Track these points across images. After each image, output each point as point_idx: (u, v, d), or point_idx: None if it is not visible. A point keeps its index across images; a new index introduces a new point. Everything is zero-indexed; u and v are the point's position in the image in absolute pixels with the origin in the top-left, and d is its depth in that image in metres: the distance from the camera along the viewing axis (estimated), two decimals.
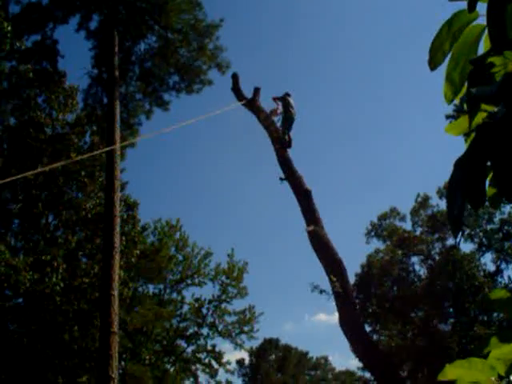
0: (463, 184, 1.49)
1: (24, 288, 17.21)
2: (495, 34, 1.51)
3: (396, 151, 73.41)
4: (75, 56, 38.20)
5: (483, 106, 1.64)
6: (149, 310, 23.55)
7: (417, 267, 32.01)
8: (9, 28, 14.59)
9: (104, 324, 12.96)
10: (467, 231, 30.21)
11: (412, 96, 76.40)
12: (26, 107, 19.51)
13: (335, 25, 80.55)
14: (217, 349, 29.86)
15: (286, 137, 10.84)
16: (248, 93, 11.91)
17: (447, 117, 25.58)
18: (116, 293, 13.35)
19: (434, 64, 1.94)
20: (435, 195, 31.59)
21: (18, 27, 16.44)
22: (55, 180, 19.47)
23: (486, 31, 1.72)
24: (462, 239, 30.18)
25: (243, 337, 30.11)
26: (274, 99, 11.52)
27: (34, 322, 18.11)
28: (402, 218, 32.88)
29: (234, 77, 12.24)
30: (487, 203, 1.70)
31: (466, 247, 39.60)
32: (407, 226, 32.63)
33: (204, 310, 29.55)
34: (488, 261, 42.00)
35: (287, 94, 11.47)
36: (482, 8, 1.58)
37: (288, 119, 11.09)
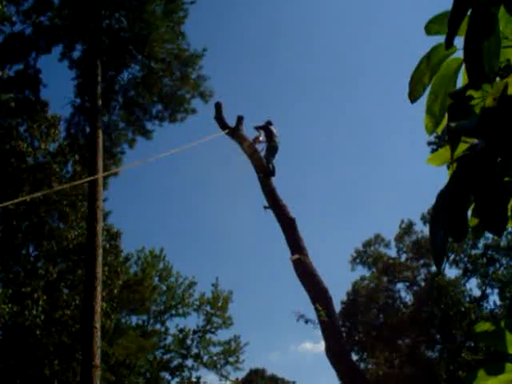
0: (445, 216, 1.49)
1: (3, 321, 16.80)
2: (472, 69, 1.53)
3: (379, 177, 74.09)
4: (58, 85, 38.26)
5: (464, 138, 1.66)
6: (132, 342, 23.10)
7: (403, 294, 32.05)
8: None
9: (86, 357, 12.68)
10: (452, 256, 30.38)
11: (395, 121, 77.60)
12: (8, 136, 19.34)
13: (317, 52, 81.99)
14: (202, 380, 29.38)
15: (270, 165, 10.88)
16: (231, 121, 11.98)
17: (429, 143, 25.96)
18: (98, 325, 13.12)
19: (413, 96, 1.97)
20: (419, 221, 31.86)
21: (1, 57, 16.47)
22: (36, 210, 19.22)
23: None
24: (447, 265, 30.33)
25: (229, 368, 29.67)
26: (257, 128, 11.58)
27: (12, 356, 17.64)
28: (387, 245, 32.99)
29: (217, 105, 12.29)
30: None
31: (451, 272, 39.77)
32: (392, 252, 32.77)
33: (188, 341, 29.15)
34: (473, 286, 42.14)
35: (269, 123, 11.54)
36: (459, 41, 1.60)
37: (272, 148, 11.15)
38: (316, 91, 78.47)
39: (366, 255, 32.87)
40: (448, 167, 1.88)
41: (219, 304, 29.45)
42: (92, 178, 13.69)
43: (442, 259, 1.51)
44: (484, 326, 1.84)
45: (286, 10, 76.90)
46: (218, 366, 29.36)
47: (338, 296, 33.01)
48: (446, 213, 1.49)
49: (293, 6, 75.52)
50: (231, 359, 29.59)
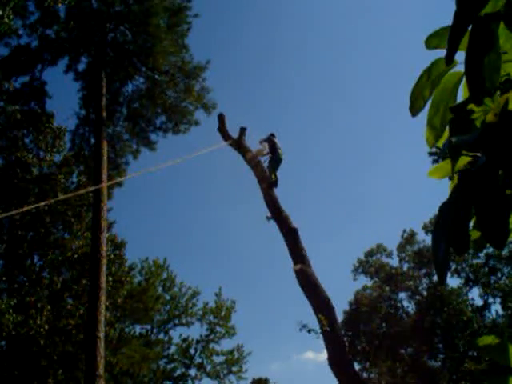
0: (447, 229, 1.52)
1: (7, 331, 16.80)
2: (474, 84, 1.56)
3: (380, 187, 73.95)
4: (63, 97, 38.50)
5: (465, 151, 1.69)
6: (135, 352, 23.02)
7: (405, 303, 31.94)
8: None
9: (89, 367, 12.67)
10: (453, 266, 30.27)
11: (397, 131, 77.64)
12: (14, 147, 19.46)
13: (320, 62, 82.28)
14: None
15: (273, 176, 10.92)
16: (234, 133, 12.05)
17: (430, 154, 25.99)
18: (102, 335, 13.11)
19: (415, 110, 1.99)
20: (421, 231, 31.81)
21: (7, 69, 16.61)
22: (41, 220, 19.29)
23: (465, 78, 1.79)
24: (448, 274, 30.20)
25: (232, 377, 29.49)
26: (261, 142, 11.67)
27: (17, 366, 17.62)
28: (389, 254, 32.92)
29: (220, 117, 12.38)
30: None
31: (453, 282, 39.60)
32: (394, 262, 32.69)
33: (192, 351, 29.00)
34: (475, 295, 41.97)
35: (272, 135, 11.63)
36: (458, 55, 1.64)
37: (276, 160, 11.21)
38: (318, 101, 78.70)
39: (368, 265, 32.80)
40: (450, 179, 1.91)
41: (222, 314, 29.36)
42: (96, 187, 13.76)
43: (444, 272, 1.53)
44: (487, 340, 1.82)
45: (286, 21, 77.37)
46: (221, 375, 29.19)
47: (341, 306, 32.94)
48: (447, 226, 1.51)
49: (294, 18, 76.01)
50: (234, 369, 29.41)
